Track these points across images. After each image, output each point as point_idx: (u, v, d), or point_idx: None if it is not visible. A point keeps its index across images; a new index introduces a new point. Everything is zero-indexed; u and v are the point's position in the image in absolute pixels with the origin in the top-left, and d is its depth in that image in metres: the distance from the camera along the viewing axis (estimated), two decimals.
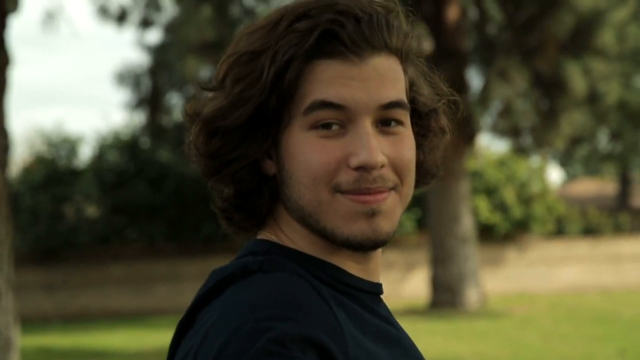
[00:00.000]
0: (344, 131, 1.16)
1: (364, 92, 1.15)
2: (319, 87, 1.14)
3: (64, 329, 18.55)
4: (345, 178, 1.16)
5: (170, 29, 19.44)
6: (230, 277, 1.20)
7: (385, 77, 1.17)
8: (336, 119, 1.15)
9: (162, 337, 15.54)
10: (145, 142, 22.11)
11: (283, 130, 1.18)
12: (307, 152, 1.16)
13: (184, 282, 22.15)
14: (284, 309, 1.06)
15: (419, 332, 14.66)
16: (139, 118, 21.00)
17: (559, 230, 24.26)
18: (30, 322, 20.59)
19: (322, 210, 1.17)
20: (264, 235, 1.28)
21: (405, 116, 1.22)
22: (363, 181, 1.15)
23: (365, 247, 1.19)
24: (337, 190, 1.16)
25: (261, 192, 1.24)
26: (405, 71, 1.25)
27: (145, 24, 19.52)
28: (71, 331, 17.62)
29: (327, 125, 1.16)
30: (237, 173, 1.23)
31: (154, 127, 19.12)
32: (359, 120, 1.16)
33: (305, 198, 1.18)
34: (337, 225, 1.17)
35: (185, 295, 22.18)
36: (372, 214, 1.17)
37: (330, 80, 1.14)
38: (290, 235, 1.24)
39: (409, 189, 1.23)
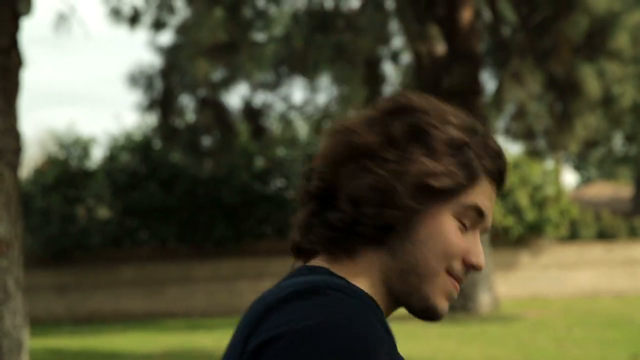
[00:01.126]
0: (466, 231, 1.48)
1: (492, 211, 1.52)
2: (479, 197, 1.47)
3: (74, 330, 18.55)
4: (458, 267, 1.47)
5: (183, 30, 19.41)
6: (315, 289, 1.33)
7: None
8: (474, 221, 1.48)
9: (173, 339, 15.51)
10: (157, 143, 22.10)
11: (439, 205, 1.43)
12: (450, 232, 1.44)
13: (196, 284, 22.12)
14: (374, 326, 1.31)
15: (430, 336, 14.56)
16: (151, 120, 20.98)
17: (573, 234, 24.09)
18: (41, 323, 20.62)
19: (431, 276, 1.45)
20: (332, 266, 1.45)
21: None
22: (464, 275, 1.50)
23: (435, 319, 1.52)
24: (449, 271, 1.46)
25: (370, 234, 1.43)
26: None
27: (158, 25, 19.51)
28: (82, 333, 17.61)
29: (463, 223, 1.47)
30: (385, 212, 1.40)
31: (166, 129, 19.08)
32: (479, 230, 1.52)
33: (426, 261, 1.43)
34: (434, 294, 1.46)
35: (197, 297, 22.17)
36: (451, 299, 1.51)
37: (487, 196, 1.49)
38: (361, 277, 1.42)
39: None
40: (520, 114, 19.68)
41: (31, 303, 20.91)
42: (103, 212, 23.27)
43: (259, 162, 22.51)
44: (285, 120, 21.08)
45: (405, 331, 15.75)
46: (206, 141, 19.91)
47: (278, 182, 22.87)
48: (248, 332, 1.31)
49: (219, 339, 15.15)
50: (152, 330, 17.77)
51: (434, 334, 14.96)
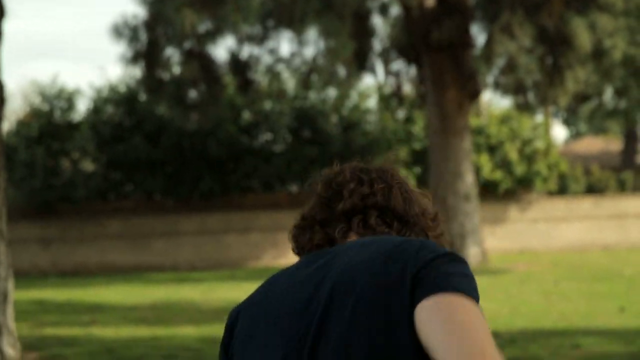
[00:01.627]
0: None
1: None
2: None
3: (60, 283, 18.43)
4: None
5: None
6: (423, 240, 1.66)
7: None
8: None
9: (159, 292, 15.40)
10: (142, 96, 21.78)
11: None
12: None
13: (182, 237, 21.99)
14: None
15: None
16: (136, 72, 20.62)
17: (562, 188, 24.03)
18: (26, 276, 20.50)
19: None
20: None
21: None
22: None
23: None
24: None
25: None
26: None
27: None
28: (67, 285, 17.49)
29: None
30: None
31: (151, 81, 18.75)
32: None
33: None
34: None
35: (184, 251, 22.06)
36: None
37: None
38: None
39: None
40: (510, 67, 19.45)
41: (16, 256, 20.80)
42: (88, 165, 23.01)
43: (246, 116, 22.24)
44: (272, 73, 20.77)
45: None
46: (192, 94, 19.60)
47: (265, 136, 22.63)
48: (401, 266, 1.47)
49: (206, 291, 15.05)
50: (138, 283, 17.67)
51: None
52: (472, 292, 1.46)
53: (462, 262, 1.53)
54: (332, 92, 22.30)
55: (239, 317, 1.60)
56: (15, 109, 31.54)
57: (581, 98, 23.23)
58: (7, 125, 24.68)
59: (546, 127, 24.05)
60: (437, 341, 1.34)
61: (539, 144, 23.14)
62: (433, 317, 1.37)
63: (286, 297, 1.53)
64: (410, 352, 1.37)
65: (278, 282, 1.60)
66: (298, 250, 1.73)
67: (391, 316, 1.40)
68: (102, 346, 8.56)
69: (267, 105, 22.20)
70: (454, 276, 1.47)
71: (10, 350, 7.75)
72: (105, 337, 9.68)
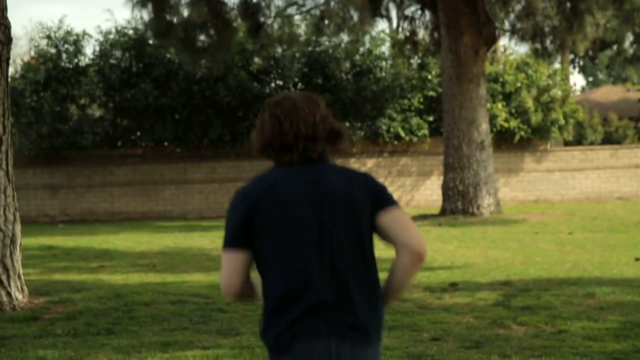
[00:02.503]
0: None
1: None
2: None
3: (68, 230, 18.26)
4: None
5: None
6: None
7: None
8: None
9: (167, 240, 15.20)
10: (151, 40, 21.30)
11: None
12: None
13: (191, 185, 21.74)
14: None
15: (430, 239, 14.25)
16: (144, 15, 20.13)
17: (579, 138, 23.64)
18: (34, 223, 20.34)
19: None
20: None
21: None
22: None
23: None
24: None
25: None
26: None
27: None
28: (76, 232, 17.31)
29: None
30: None
31: (160, 24, 18.27)
32: None
33: None
34: None
35: (193, 199, 21.82)
36: None
37: None
38: None
39: None
40: (527, 12, 18.91)
41: (24, 203, 20.61)
42: (95, 111, 22.68)
43: (256, 61, 21.79)
44: (283, 17, 20.27)
45: None
46: (202, 38, 19.14)
47: (276, 82, 22.21)
48: (369, 194, 2.77)
49: (215, 239, 14.85)
50: (146, 231, 17.47)
51: (434, 236, 14.67)
52: (395, 201, 2.76)
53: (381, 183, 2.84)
54: (344, 38, 21.81)
55: (263, 197, 2.71)
56: (22, 52, 31.14)
57: (600, 44, 22.65)
58: (13, 69, 24.31)
59: (564, 75, 23.56)
60: (397, 230, 2.72)
61: (556, 92, 22.71)
62: (392, 219, 2.72)
63: (301, 191, 2.71)
64: (368, 228, 2.72)
65: (283, 180, 2.73)
66: (280, 164, 2.77)
67: (363, 212, 2.71)
68: (111, 292, 8.37)
69: (278, 50, 21.74)
70: (388, 194, 2.77)
71: (18, 295, 7.63)
72: (114, 283, 9.50)
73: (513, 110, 22.50)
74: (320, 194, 2.67)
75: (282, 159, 2.72)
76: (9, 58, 7.90)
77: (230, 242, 2.71)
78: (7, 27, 7.76)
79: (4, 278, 7.54)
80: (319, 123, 2.70)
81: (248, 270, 2.72)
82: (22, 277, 7.87)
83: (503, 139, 22.63)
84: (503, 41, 23.98)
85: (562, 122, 22.66)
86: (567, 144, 24.49)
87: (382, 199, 2.71)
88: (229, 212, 2.77)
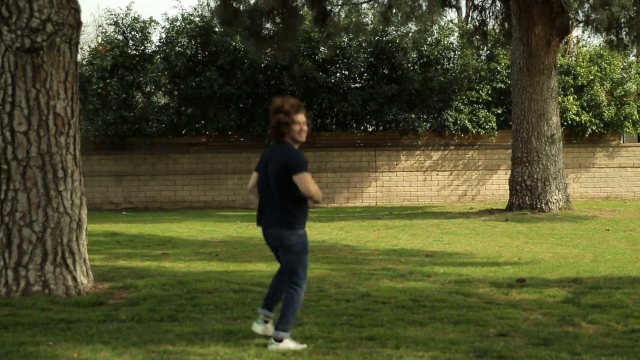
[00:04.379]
0: None
1: None
2: None
3: (131, 217, 18.46)
4: None
5: None
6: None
7: None
8: None
9: (230, 229, 15.24)
10: (217, 28, 21.38)
11: None
12: None
13: None
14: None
15: (497, 233, 13.98)
16: (211, 2, 20.20)
17: None
18: (99, 210, 20.63)
19: None
20: None
21: None
22: None
23: None
24: None
25: None
26: None
27: None
28: (139, 220, 17.48)
29: None
30: None
31: (227, 12, 18.29)
32: None
33: None
34: None
35: None
36: None
37: None
38: None
39: None
40: (603, 2, 18.34)
41: (89, 190, 20.85)
42: (160, 99, 22.88)
43: (322, 50, 21.69)
44: (350, 6, 20.11)
45: (472, 227, 15.20)
46: (268, 26, 19.11)
47: (341, 72, 22.07)
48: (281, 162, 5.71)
49: None
50: (209, 219, 17.55)
51: (500, 231, 14.39)
52: (303, 167, 5.60)
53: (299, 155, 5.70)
54: (412, 27, 21.55)
55: (262, 156, 5.94)
56: (89, 39, 31.59)
57: None
58: (81, 55, 24.69)
59: (639, 68, 22.90)
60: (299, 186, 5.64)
61: (631, 86, 22.10)
62: (298, 181, 5.57)
63: (265, 156, 5.85)
64: (284, 179, 5.62)
65: (264, 154, 5.91)
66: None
67: (280, 168, 5.64)
68: (174, 279, 8.38)
69: (344, 39, 21.60)
70: (297, 164, 5.60)
71: (83, 280, 7.67)
72: (177, 270, 9.52)
73: (585, 104, 21.97)
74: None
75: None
76: (78, 42, 7.94)
77: (306, 167, 5.66)
78: (77, 10, 7.79)
79: (69, 262, 7.59)
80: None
81: None
82: (88, 262, 7.92)
83: (574, 133, 22.12)
84: (576, 32, 23.40)
85: (637, 116, 22.05)
86: None
87: (291, 167, 5.63)
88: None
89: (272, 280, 6.01)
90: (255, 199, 6.03)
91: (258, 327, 5.86)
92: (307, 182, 5.56)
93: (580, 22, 19.09)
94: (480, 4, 20.37)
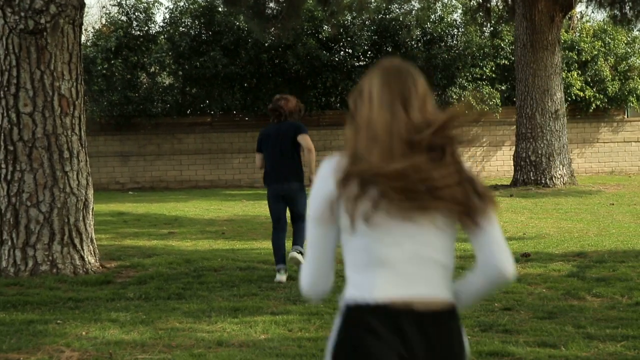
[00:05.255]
0: None
1: None
2: None
3: (138, 197, 18.53)
4: None
5: None
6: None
7: None
8: None
9: (236, 208, 15.29)
10: (221, 8, 21.33)
11: None
12: None
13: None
14: None
15: (502, 209, 14.00)
16: None
17: None
18: (105, 190, 20.71)
19: None
20: None
21: None
22: None
23: None
24: None
25: None
26: None
27: None
28: (145, 200, 17.55)
29: None
30: None
31: None
32: None
33: None
34: None
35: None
36: None
37: None
38: None
39: None
40: None
41: (95, 170, 20.92)
42: (165, 79, 22.88)
43: (326, 29, 21.63)
44: None
45: None
46: (271, 5, 19.05)
47: (345, 50, 22.02)
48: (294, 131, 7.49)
49: None
50: (215, 198, 17.60)
51: (505, 206, 14.41)
52: (306, 130, 7.51)
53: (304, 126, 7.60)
54: (415, 5, 21.46)
55: (263, 135, 7.65)
56: (93, 20, 31.56)
57: None
58: (85, 37, 24.67)
59: None
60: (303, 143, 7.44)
61: (635, 61, 22.00)
62: (302, 140, 7.35)
63: (273, 132, 7.50)
64: (293, 140, 7.42)
65: (270, 128, 7.59)
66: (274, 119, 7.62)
67: (293, 135, 7.37)
68: (181, 257, 8.44)
69: (348, 18, 21.53)
70: (303, 129, 7.43)
71: (91, 259, 7.74)
72: (184, 249, 9.58)
73: (589, 79, 21.90)
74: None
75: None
76: (81, 23, 7.96)
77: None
78: None
79: (77, 242, 7.65)
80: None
81: None
82: (95, 241, 7.98)
83: (578, 109, 22.07)
84: (580, 7, 23.26)
85: None
86: None
87: (300, 131, 7.35)
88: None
89: (274, 242, 7.36)
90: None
91: (282, 277, 7.21)
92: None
93: None
94: None
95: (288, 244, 7.71)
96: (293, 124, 7.34)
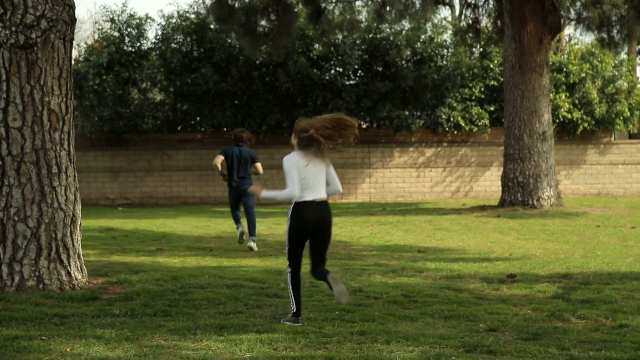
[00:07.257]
0: None
1: None
2: None
3: (127, 213, 18.50)
4: None
5: None
6: None
7: None
8: None
9: (224, 225, 15.30)
10: (212, 25, 21.42)
11: None
12: None
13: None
14: None
15: (489, 230, 14.07)
16: None
17: None
18: (95, 205, 20.66)
19: None
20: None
21: None
22: None
23: None
24: None
25: None
26: None
27: None
28: (134, 215, 17.53)
29: None
30: None
31: (222, 9, 18.35)
32: None
33: None
34: None
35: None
36: None
37: None
38: None
39: None
40: (594, 0, 18.44)
41: (85, 185, 20.87)
42: (156, 95, 22.91)
43: (317, 48, 21.74)
44: (344, 3, 20.17)
45: (464, 223, 15.29)
46: (263, 23, 19.17)
47: (335, 69, 22.13)
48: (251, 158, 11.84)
49: (272, 225, 14.91)
50: (204, 215, 17.60)
51: (493, 227, 14.48)
52: (258, 158, 12.00)
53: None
54: (406, 25, 21.61)
55: (229, 150, 11.76)
56: (86, 36, 31.58)
57: None
58: (77, 52, 24.70)
59: (630, 66, 23.01)
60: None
61: (622, 84, 22.20)
62: (257, 165, 11.75)
63: (237, 153, 11.68)
64: (251, 162, 11.74)
65: (232, 149, 11.68)
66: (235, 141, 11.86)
67: (252, 160, 11.69)
68: (168, 274, 8.44)
69: (339, 37, 21.65)
70: (257, 158, 11.87)
71: (78, 275, 7.72)
72: (171, 265, 9.58)
73: (576, 101, 22.07)
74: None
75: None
76: (72, 38, 7.98)
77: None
78: (71, 7, 7.83)
79: (64, 257, 7.64)
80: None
81: None
82: (82, 257, 7.96)
83: (565, 131, 22.22)
84: (568, 30, 23.49)
85: (627, 114, 22.15)
86: (631, 136, 23.95)
87: (254, 159, 11.60)
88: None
89: (233, 216, 11.83)
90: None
91: (253, 245, 11.33)
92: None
93: (571, 20, 19.19)
94: (473, 2, 20.45)
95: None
96: (250, 151, 11.54)
